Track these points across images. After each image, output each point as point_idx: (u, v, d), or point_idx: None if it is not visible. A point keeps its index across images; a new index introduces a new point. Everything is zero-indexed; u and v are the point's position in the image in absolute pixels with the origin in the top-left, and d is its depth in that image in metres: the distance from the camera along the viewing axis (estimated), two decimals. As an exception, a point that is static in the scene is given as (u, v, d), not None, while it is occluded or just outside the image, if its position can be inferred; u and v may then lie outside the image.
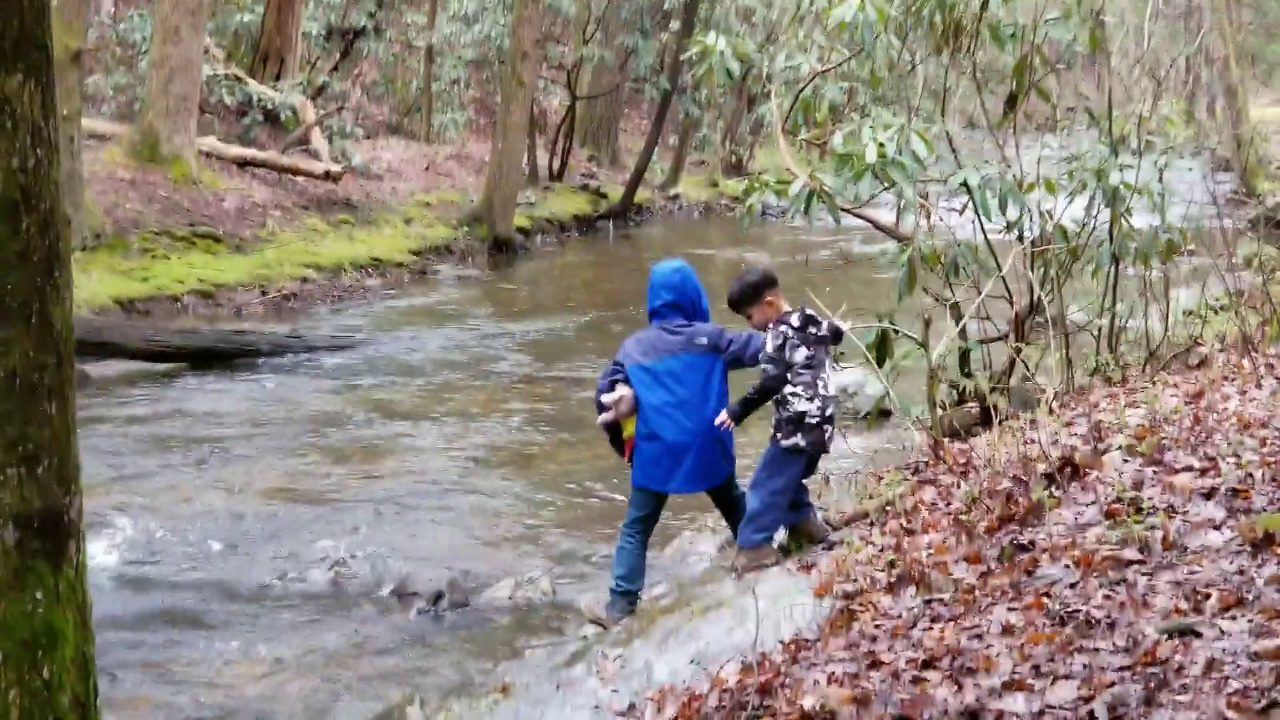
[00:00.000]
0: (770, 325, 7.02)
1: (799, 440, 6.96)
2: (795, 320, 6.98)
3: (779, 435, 7.02)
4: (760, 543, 6.99)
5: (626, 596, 7.19)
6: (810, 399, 6.95)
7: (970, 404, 9.43)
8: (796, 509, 7.21)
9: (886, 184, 8.74)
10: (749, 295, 7.15)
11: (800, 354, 6.95)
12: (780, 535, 7.19)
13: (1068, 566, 5.19)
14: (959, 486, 7.06)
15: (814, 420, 6.95)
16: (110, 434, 11.51)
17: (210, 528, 9.26)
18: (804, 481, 7.27)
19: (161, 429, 11.85)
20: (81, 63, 18.07)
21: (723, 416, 7.05)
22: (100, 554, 8.48)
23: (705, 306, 7.37)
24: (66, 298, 3.80)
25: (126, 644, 7.35)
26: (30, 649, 3.74)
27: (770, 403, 7.05)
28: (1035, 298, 9.13)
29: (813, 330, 7.02)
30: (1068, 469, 6.47)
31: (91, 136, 21.25)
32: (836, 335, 7.25)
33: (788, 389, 6.96)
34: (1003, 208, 9.02)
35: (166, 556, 8.75)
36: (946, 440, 8.14)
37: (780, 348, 6.94)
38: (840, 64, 10.40)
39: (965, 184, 8.84)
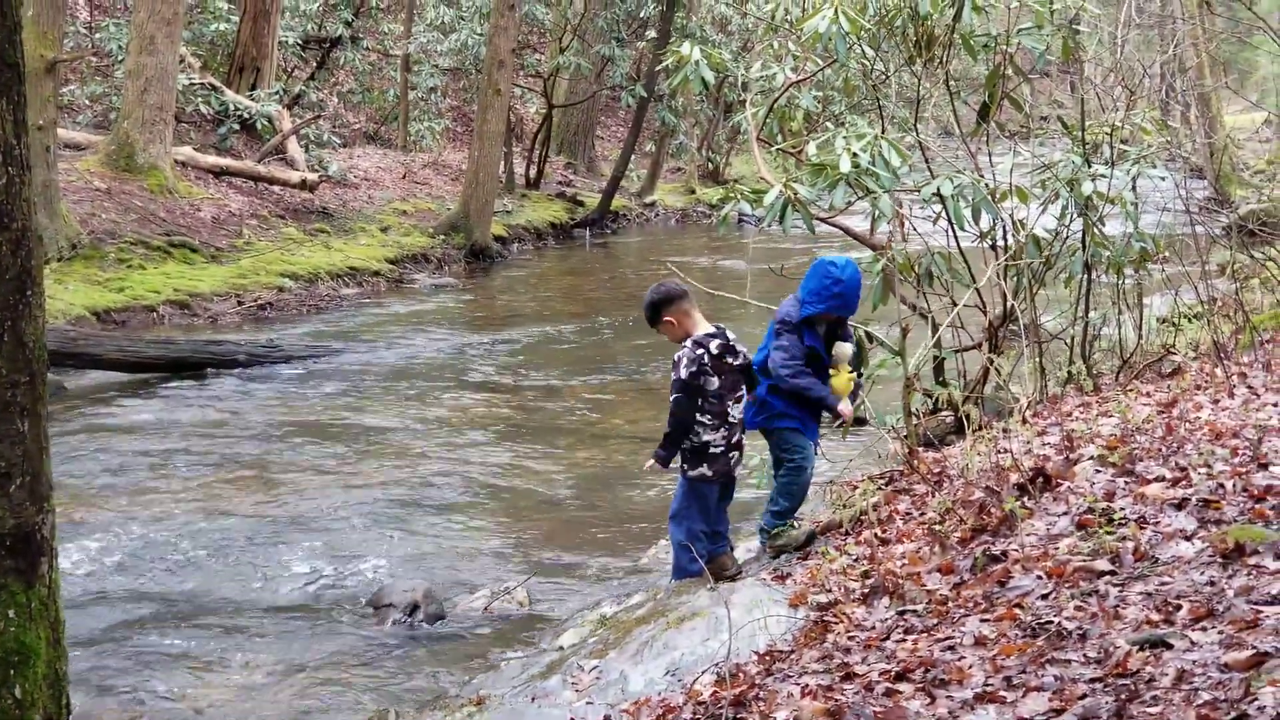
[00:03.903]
0: (687, 348, 6.98)
1: (705, 470, 7.01)
2: (714, 347, 6.96)
3: (685, 466, 7.05)
4: (696, 573, 6.99)
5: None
6: (717, 428, 6.98)
7: (944, 413, 9.45)
8: (714, 539, 7.25)
9: (861, 193, 8.77)
10: (650, 315, 7.17)
11: (714, 383, 6.96)
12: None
13: (1040, 577, 5.21)
14: (933, 496, 7.08)
15: (718, 450, 6.99)
16: (85, 445, 11.48)
17: (185, 539, 9.23)
18: (726, 512, 7.38)
19: (136, 440, 11.81)
20: (57, 72, 18.00)
21: (650, 461, 7.12)
22: (73, 566, 8.46)
23: (808, 300, 7.29)
24: (39, 315, 3.80)
25: (99, 657, 7.32)
26: (2, 667, 3.74)
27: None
28: (1008, 306, 9.17)
29: (729, 359, 7.01)
30: (1040, 479, 6.50)
31: (67, 146, 21.20)
32: (748, 370, 7.23)
33: (695, 416, 6.98)
34: (976, 217, 9.05)
35: (140, 568, 8.72)
36: (921, 449, 8.17)
37: (695, 374, 6.92)
38: (815, 74, 10.43)
39: (939, 193, 8.87)
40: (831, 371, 7.38)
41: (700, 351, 6.92)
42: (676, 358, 6.97)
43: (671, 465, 7.14)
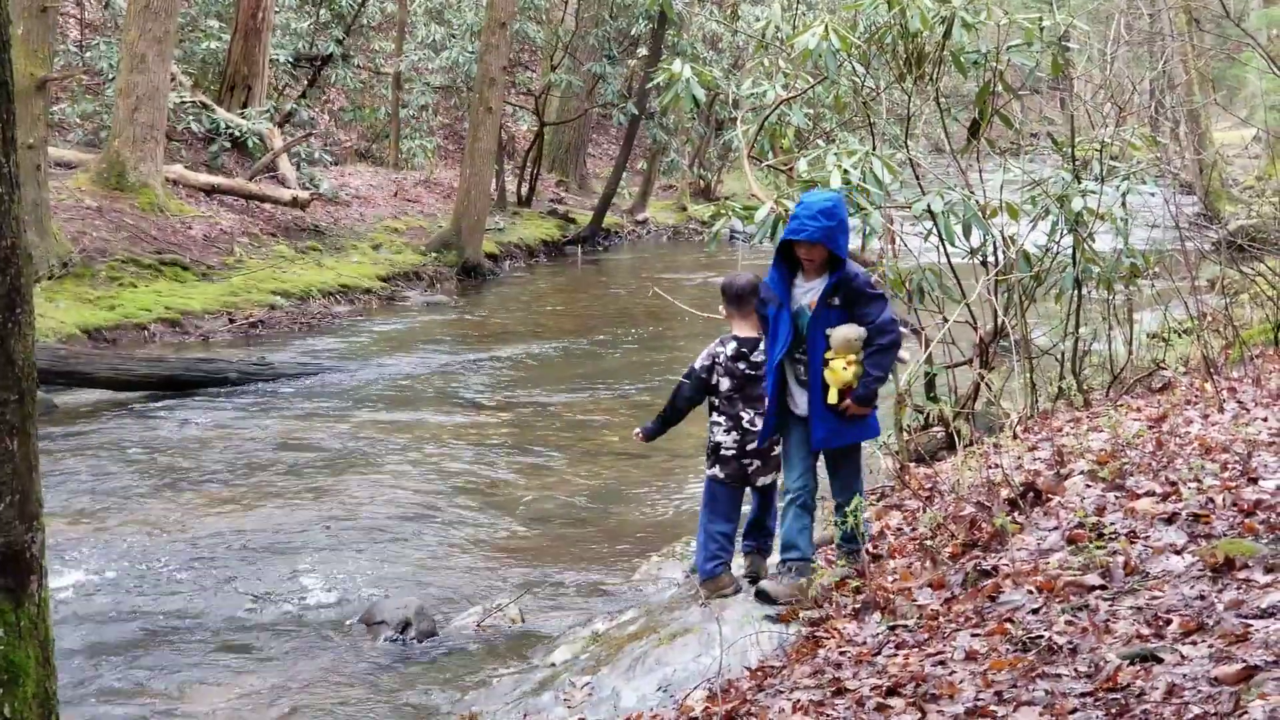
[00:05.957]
0: (715, 342, 7.02)
1: (718, 471, 6.96)
2: (730, 350, 6.92)
3: (706, 463, 7.07)
4: (712, 571, 6.96)
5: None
6: (729, 430, 6.91)
7: (935, 429, 9.47)
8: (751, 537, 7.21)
9: (852, 209, 8.77)
10: None
11: (725, 383, 6.91)
12: (740, 563, 7.18)
13: (1030, 592, 5.22)
14: (924, 511, 7.09)
15: (729, 453, 6.92)
16: (76, 464, 11.45)
17: (176, 558, 9.21)
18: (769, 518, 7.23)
19: (128, 458, 11.79)
20: (47, 91, 18.01)
21: (637, 430, 7.29)
22: (62, 585, 8.44)
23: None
24: (28, 333, 3.78)
25: (89, 677, 7.31)
26: (-9, 686, 3.73)
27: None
28: (999, 322, 9.19)
29: (742, 366, 6.91)
30: (1031, 494, 6.51)
31: (58, 164, 21.17)
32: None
33: (711, 416, 6.99)
34: (966, 233, 9.07)
35: (130, 587, 8.70)
36: (912, 465, 8.18)
37: (708, 368, 6.94)
38: (805, 90, 10.45)
39: (929, 209, 8.89)
40: (827, 355, 6.39)
41: (720, 350, 6.94)
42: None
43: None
